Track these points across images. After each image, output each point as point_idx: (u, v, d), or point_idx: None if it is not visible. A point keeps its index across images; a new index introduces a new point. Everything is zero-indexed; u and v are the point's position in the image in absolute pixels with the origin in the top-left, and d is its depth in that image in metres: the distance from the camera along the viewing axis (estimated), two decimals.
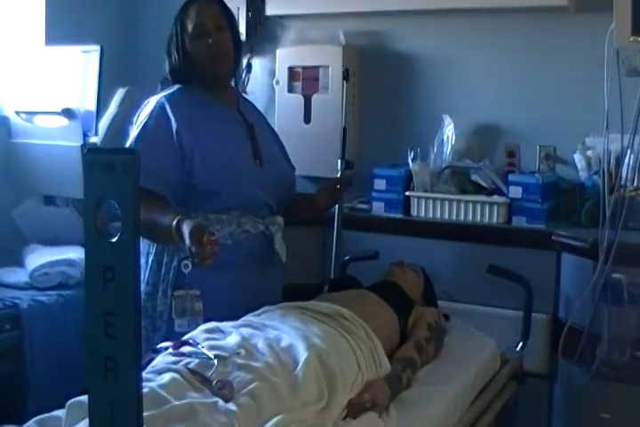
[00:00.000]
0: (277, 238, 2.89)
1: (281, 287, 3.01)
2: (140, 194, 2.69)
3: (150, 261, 2.80)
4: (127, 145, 2.78)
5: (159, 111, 2.76)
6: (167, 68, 2.91)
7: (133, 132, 2.78)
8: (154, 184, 2.60)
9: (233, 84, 3.08)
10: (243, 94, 3.28)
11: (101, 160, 1.19)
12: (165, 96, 2.81)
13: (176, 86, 2.87)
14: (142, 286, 2.75)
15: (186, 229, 2.39)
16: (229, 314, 2.50)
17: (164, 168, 2.67)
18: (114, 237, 1.18)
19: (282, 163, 3.07)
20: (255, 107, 3.20)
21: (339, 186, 3.14)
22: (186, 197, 2.72)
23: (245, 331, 2.32)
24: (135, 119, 2.83)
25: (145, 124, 2.76)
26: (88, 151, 1.22)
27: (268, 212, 2.91)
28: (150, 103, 2.82)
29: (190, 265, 2.63)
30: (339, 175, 3.33)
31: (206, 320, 2.56)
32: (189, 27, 2.83)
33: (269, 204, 2.92)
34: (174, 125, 2.73)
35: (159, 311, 2.75)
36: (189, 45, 2.84)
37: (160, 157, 2.68)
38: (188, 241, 2.35)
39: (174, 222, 2.42)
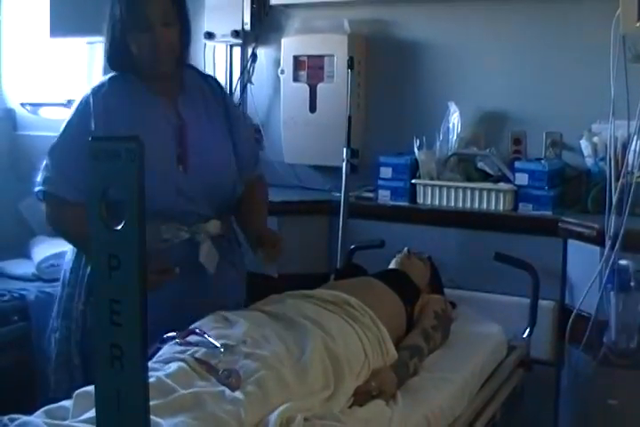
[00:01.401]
0: (204, 248, 2.61)
1: (221, 299, 2.64)
2: (57, 203, 2.53)
3: (71, 264, 2.69)
4: (51, 145, 2.59)
5: (82, 108, 2.57)
6: (104, 51, 2.66)
7: (61, 128, 2.61)
8: (71, 193, 2.48)
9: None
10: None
11: (106, 148, 1.19)
12: (93, 89, 2.60)
13: (111, 74, 2.65)
14: (63, 288, 2.71)
15: None
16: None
17: (82, 173, 2.47)
18: (119, 224, 1.18)
19: (220, 167, 2.66)
20: (214, 92, 2.78)
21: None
22: None
23: (252, 319, 2.32)
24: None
25: (68, 122, 2.59)
26: (92, 139, 1.22)
27: (197, 219, 2.61)
28: (80, 97, 2.62)
29: None
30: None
31: None
32: (133, 16, 2.51)
33: (197, 212, 2.60)
34: (93, 124, 2.52)
35: (75, 315, 2.64)
36: (131, 36, 2.53)
37: (79, 160, 2.36)
38: None
39: None
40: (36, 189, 2.59)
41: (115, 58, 2.62)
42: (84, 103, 2.57)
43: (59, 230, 2.64)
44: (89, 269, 2.58)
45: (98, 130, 2.49)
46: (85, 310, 2.62)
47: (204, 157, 2.62)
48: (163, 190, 2.48)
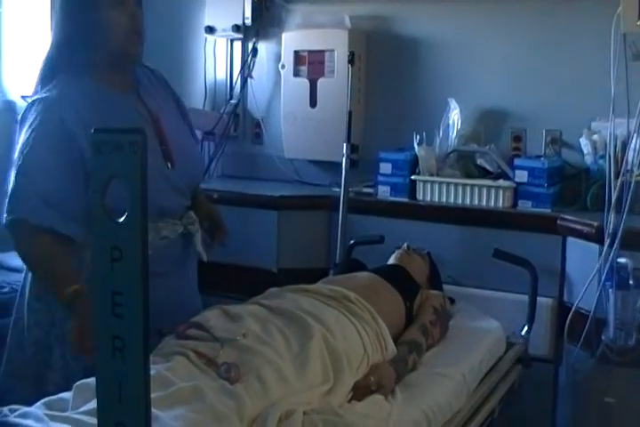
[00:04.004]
0: (198, 238, 2.62)
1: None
2: (37, 234, 2.27)
3: (31, 288, 2.46)
4: (16, 165, 2.30)
5: (48, 118, 2.31)
6: (46, 58, 2.43)
7: (20, 148, 2.31)
8: (56, 221, 2.27)
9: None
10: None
11: (108, 140, 1.19)
12: (46, 98, 2.34)
13: (54, 82, 2.38)
14: (29, 316, 2.44)
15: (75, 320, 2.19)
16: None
17: (66, 194, 2.27)
18: (121, 216, 1.19)
19: (196, 158, 2.72)
20: (155, 78, 2.66)
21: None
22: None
23: (252, 313, 2.32)
24: (19, 130, 2.36)
25: (34, 139, 2.29)
26: (95, 131, 1.22)
27: (184, 211, 2.58)
28: (33, 110, 2.34)
29: None
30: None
31: None
32: None
33: (185, 204, 2.59)
34: (70, 129, 2.30)
35: (51, 343, 2.41)
36: (103, 14, 2.34)
37: (59, 180, 2.29)
38: (74, 334, 2.18)
39: (71, 291, 2.20)
40: (9, 217, 2.29)
41: (65, 58, 2.40)
42: (47, 114, 2.31)
43: (30, 260, 2.36)
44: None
45: (77, 134, 2.29)
46: (64, 336, 2.33)
47: (183, 150, 2.56)
48: (159, 189, 2.38)
